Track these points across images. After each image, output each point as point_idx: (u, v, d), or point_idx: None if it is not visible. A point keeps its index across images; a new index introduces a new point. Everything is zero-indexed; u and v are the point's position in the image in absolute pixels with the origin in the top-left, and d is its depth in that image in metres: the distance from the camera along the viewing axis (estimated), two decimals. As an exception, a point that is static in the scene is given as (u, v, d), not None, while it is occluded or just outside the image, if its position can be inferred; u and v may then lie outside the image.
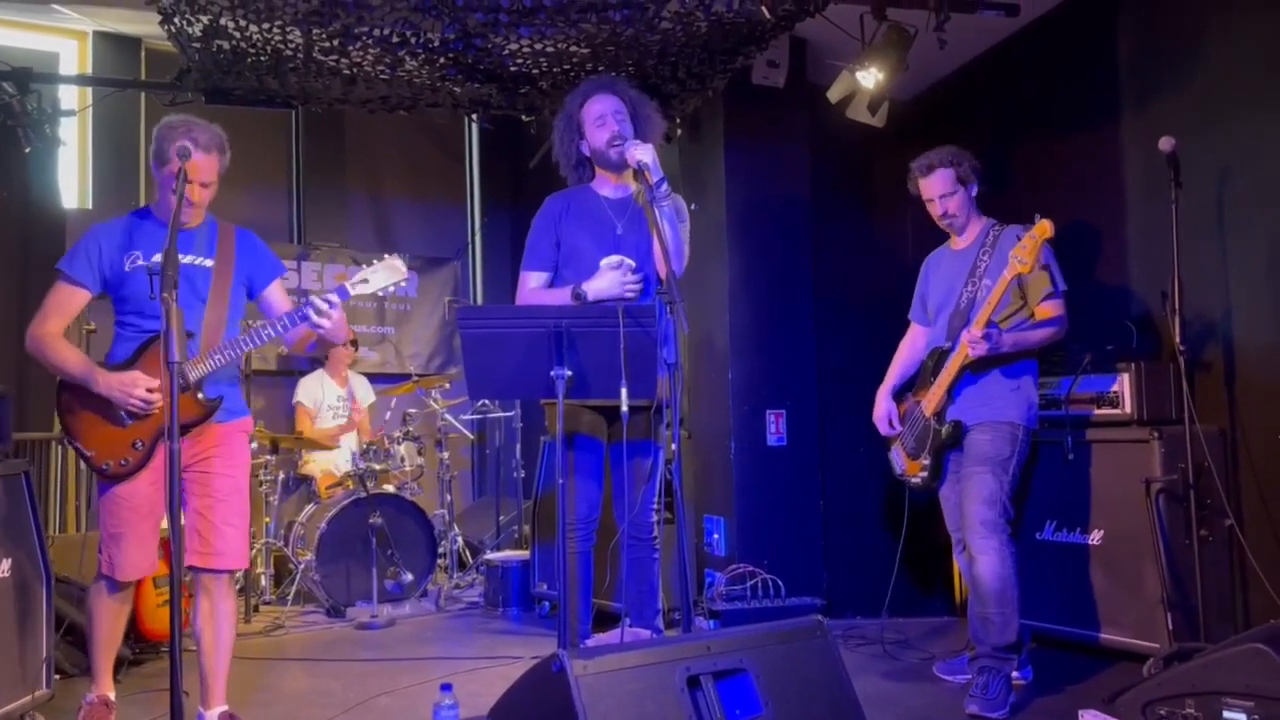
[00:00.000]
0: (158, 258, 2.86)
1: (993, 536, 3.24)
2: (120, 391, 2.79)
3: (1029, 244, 3.15)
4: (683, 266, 3.11)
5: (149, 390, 2.80)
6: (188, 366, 2.81)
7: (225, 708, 2.96)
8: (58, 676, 3.36)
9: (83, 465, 3.13)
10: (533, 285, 3.24)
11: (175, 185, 2.71)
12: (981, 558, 3.25)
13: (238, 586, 5.08)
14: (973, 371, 3.37)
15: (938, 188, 3.49)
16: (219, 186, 2.97)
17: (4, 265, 4.74)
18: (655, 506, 3.26)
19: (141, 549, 2.91)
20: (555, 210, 3.27)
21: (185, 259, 2.91)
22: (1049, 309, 3.36)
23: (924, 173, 3.51)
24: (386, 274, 2.94)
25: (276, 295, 3.10)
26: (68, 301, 2.94)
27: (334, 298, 2.84)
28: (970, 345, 3.25)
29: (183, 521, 2.92)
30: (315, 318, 2.80)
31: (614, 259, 3.13)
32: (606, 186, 3.27)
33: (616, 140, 3.10)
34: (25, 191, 4.93)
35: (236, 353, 2.87)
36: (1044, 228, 3.14)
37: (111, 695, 3.05)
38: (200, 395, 2.86)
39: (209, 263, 2.97)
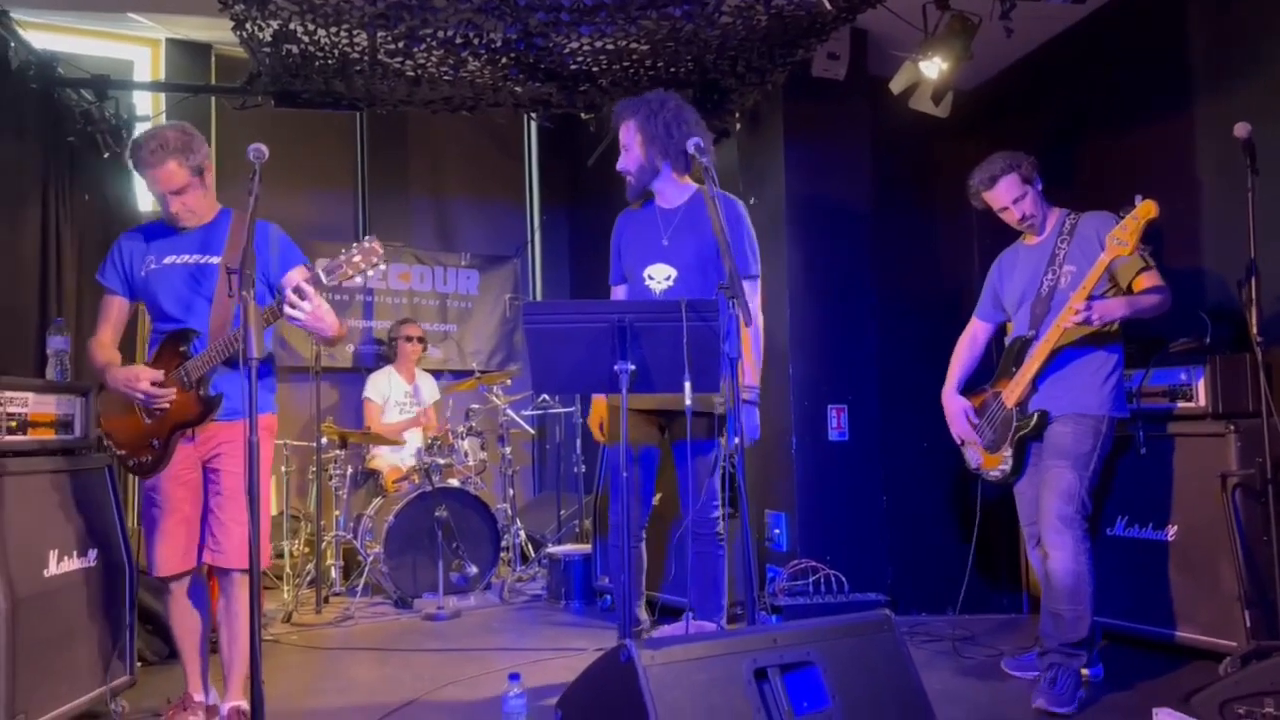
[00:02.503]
0: (169, 260, 2.95)
1: (1068, 532, 3.18)
2: (126, 386, 2.85)
3: (1131, 225, 3.04)
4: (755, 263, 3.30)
5: (152, 383, 2.83)
6: (190, 365, 2.86)
7: (238, 703, 2.97)
8: (140, 663, 3.48)
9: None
10: (616, 297, 3.48)
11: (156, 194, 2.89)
12: (1055, 553, 3.20)
13: (308, 579, 5.25)
14: (1074, 346, 3.26)
15: (1007, 195, 3.42)
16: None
17: (88, 267, 4.89)
18: (717, 502, 3.28)
19: (167, 544, 2.92)
20: (619, 226, 3.50)
21: (186, 259, 2.95)
22: (1148, 279, 3.23)
23: (988, 185, 3.44)
24: (362, 258, 2.76)
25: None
26: (108, 310, 3.04)
27: (307, 288, 2.73)
28: (1078, 313, 3.11)
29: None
30: (289, 310, 2.71)
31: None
32: (664, 195, 3.40)
33: (626, 175, 3.36)
34: (103, 195, 5.09)
35: (234, 348, 2.79)
36: (1149, 208, 3.01)
37: (198, 696, 3.06)
38: (201, 392, 2.87)
39: (215, 260, 2.94)
